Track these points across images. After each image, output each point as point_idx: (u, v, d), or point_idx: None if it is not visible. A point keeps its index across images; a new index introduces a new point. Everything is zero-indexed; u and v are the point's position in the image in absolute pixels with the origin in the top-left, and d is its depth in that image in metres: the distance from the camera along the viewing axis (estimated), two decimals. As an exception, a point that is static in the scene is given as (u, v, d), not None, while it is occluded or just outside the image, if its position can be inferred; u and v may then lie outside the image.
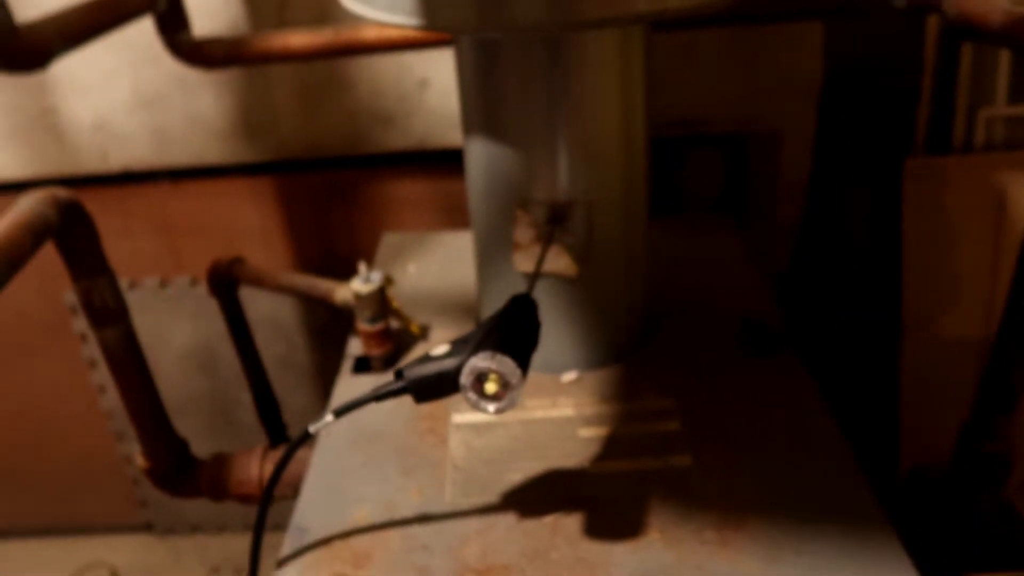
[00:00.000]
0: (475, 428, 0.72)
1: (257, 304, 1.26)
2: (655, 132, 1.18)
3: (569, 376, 0.77)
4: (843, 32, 1.18)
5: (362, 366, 0.81)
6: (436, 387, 0.50)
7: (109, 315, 0.77)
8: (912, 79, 1.24)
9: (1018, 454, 0.84)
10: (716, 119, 1.17)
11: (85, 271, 0.75)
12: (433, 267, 0.98)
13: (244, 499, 0.87)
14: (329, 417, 0.53)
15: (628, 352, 0.79)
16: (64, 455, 1.48)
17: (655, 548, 0.58)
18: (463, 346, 0.50)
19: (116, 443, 1.44)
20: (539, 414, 0.73)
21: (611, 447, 0.68)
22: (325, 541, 0.61)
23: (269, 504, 0.59)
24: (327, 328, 1.32)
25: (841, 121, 1.21)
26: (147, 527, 1.51)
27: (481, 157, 0.72)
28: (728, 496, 0.62)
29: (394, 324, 0.82)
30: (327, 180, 1.24)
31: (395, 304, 0.79)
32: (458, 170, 1.23)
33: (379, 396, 0.52)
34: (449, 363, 0.50)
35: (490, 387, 0.48)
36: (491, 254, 0.76)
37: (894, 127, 1.26)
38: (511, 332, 0.51)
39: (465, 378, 0.48)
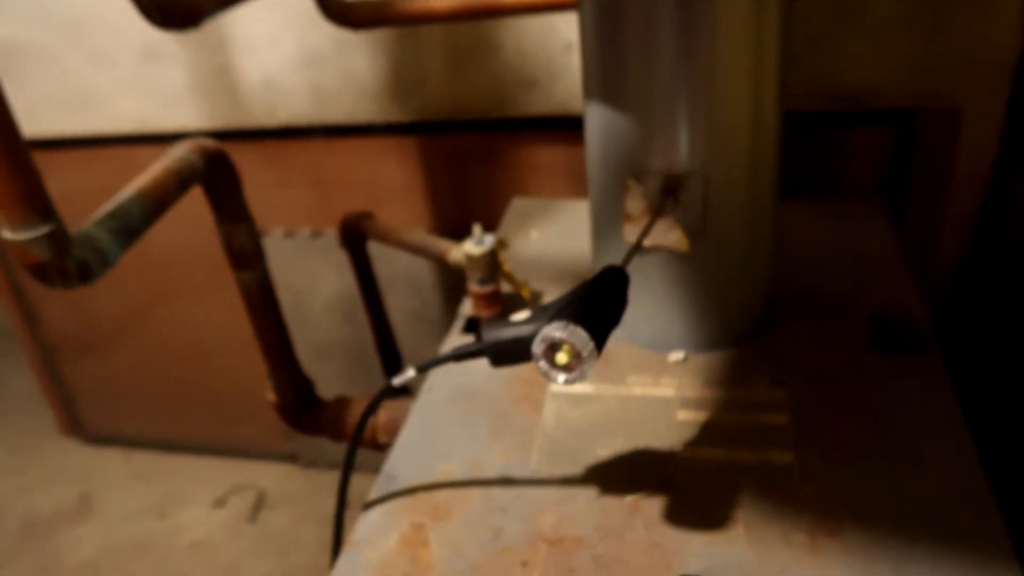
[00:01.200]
0: (571, 399, 0.71)
1: (397, 261, 1.31)
2: (813, 105, 1.10)
3: (676, 356, 0.74)
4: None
5: (472, 327, 0.82)
6: (512, 352, 0.50)
7: (246, 259, 0.83)
8: None
9: None
10: (884, 92, 1.07)
11: (227, 216, 0.81)
12: (556, 234, 0.98)
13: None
14: (411, 371, 0.55)
15: (743, 337, 0.75)
16: (225, 384, 1.63)
17: (737, 544, 0.55)
18: (543, 313, 0.50)
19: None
20: (638, 392, 0.71)
21: (708, 434, 0.65)
22: (410, 491, 0.63)
23: (357, 447, 0.62)
24: (460, 287, 1.35)
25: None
26: (292, 458, 1.64)
27: (598, 123, 0.70)
28: (828, 500, 0.58)
29: (507, 288, 0.82)
30: (469, 142, 1.26)
31: (506, 268, 0.79)
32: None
33: (457, 356, 0.53)
34: (526, 329, 0.49)
35: (561, 357, 0.47)
36: (605, 224, 0.74)
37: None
38: (593, 304, 0.50)
39: (537, 346, 0.47)
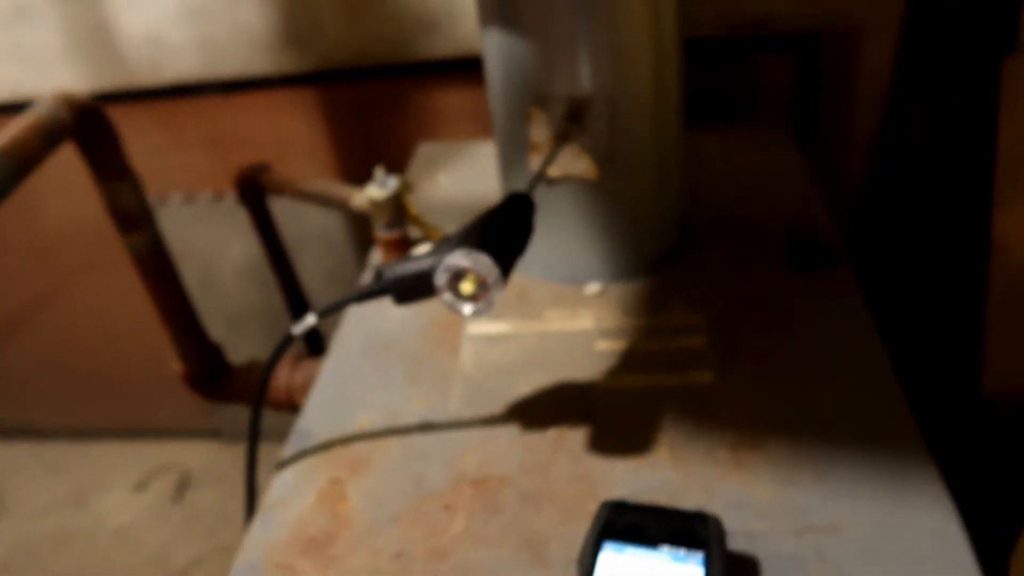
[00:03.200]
0: (489, 339, 0.69)
1: (306, 219, 1.25)
2: (717, 32, 1.09)
3: (592, 288, 0.73)
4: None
5: (379, 275, 0.79)
6: (415, 288, 0.47)
7: (133, 220, 0.77)
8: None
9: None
10: (786, 16, 1.07)
11: (106, 175, 0.75)
12: (465, 177, 0.95)
13: (275, 406, 0.88)
14: (311, 318, 0.51)
15: (659, 265, 0.74)
16: (136, 362, 1.55)
17: (661, 466, 0.55)
18: (445, 244, 0.47)
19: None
20: (556, 326, 0.69)
21: (628, 362, 0.64)
22: (325, 446, 0.60)
23: (263, 400, 0.58)
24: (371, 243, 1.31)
25: (931, 16, 1.08)
26: (215, 434, 1.58)
27: (497, 51, 0.66)
28: (749, 416, 0.58)
29: (417, 234, 0.79)
30: (372, 90, 1.21)
31: (413, 211, 0.76)
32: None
33: (359, 297, 0.50)
34: (427, 261, 0.47)
35: (466, 287, 0.44)
36: (510, 157, 0.72)
37: (993, 21, 1.12)
38: (496, 231, 0.47)
39: (440, 276, 0.44)
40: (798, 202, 0.81)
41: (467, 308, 0.45)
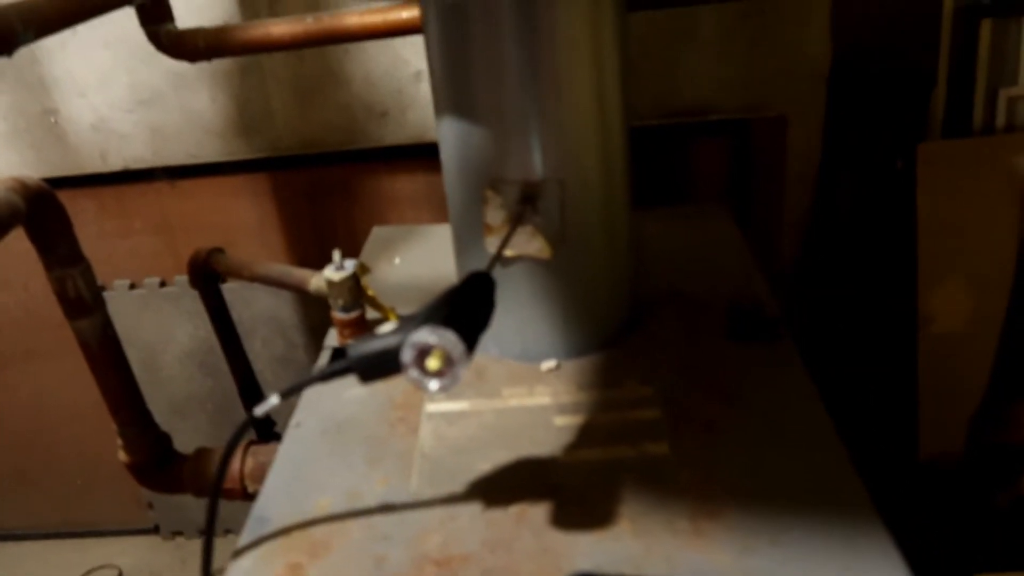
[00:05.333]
0: (447, 417, 0.69)
1: (257, 302, 1.25)
2: (657, 120, 1.15)
3: (548, 364, 0.74)
4: (852, 9, 1.13)
5: (339, 357, 0.79)
6: (380, 365, 0.48)
7: (84, 306, 0.76)
8: (928, 59, 1.19)
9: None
10: (719, 105, 1.14)
11: (58, 260, 0.74)
12: (420, 259, 0.96)
13: (227, 495, 0.85)
14: (274, 398, 0.51)
15: (611, 340, 0.76)
16: (73, 457, 1.49)
17: (623, 538, 0.55)
18: (409, 322, 0.48)
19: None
20: (514, 403, 0.70)
21: (586, 436, 0.65)
22: (284, 531, 0.59)
23: (220, 489, 0.57)
24: (327, 324, 1.30)
25: (852, 105, 1.17)
26: (155, 529, 1.51)
27: (451, 137, 0.69)
28: (705, 485, 0.59)
29: (373, 315, 0.80)
30: (323, 176, 1.23)
31: (370, 292, 0.77)
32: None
33: (323, 376, 0.50)
34: (393, 339, 0.48)
35: (432, 363, 0.45)
36: (466, 238, 0.74)
37: (909, 110, 1.21)
38: (460, 308, 0.49)
39: (406, 353, 0.45)
40: (739, 278, 0.85)
41: (433, 384, 0.46)
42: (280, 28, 0.88)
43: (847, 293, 1.26)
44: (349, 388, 0.72)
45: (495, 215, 0.68)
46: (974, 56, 1.18)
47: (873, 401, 1.21)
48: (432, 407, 0.71)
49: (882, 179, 1.23)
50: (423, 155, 1.21)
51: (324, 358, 0.79)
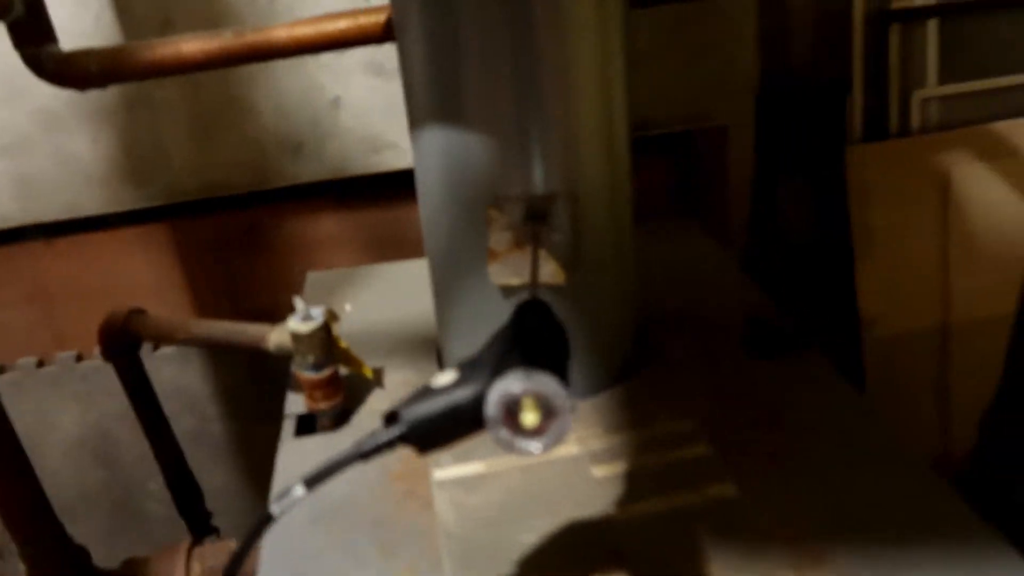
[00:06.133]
0: (464, 484, 0.58)
1: (158, 372, 1.07)
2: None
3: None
4: (773, 24, 1.13)
5: (307, 426, 0.66)
6: (447, 428, 0.37)
7: (-31, 397, 0.59)
8: (842, 67, 1.21)
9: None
10: (661, 118, 1.10)
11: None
12: (374, 303, 0.85)
13: (169, 613, 0.69)
14: (299, 491, 0.39)
15: (626, 373, 0.68)
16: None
17: (725, 604, 0.46)
18: (475, 370, 0.37)
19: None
20: (539, 457, 0.60)
21: (635, 485, 0.56)
22: (295, 659, 0.46)
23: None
24: (241, 392, 1.14)
25: (780, 116, 1.16)
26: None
27: (436, 153, 0.59)
28: (792, 525, 0.51)
29: (341, 370, 0.67)
30: (231, 223, 1.08)
31: (343, 344, 0.65)
32: (383, 198, 1.11)
33: (367, 452, 0.38)
34: (463, 393, 0.37)
35: (528, 417, 0.35)
36: (455, 272, 0.64)
37: (830, 118, 1.22)
38: (536, 343, 0.39)
39: (493, 408, 0.35)
40: (738, 292, 0.79)
41: (534, 445, 0.35)
42: (192, 45, 0.74)
43: (790, 299, 1.24)
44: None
45: (500, 239, 0.58)
46: (886, 61, 1.21)
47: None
48: (441, 473, 0.59)
49: (815, 187, 1.22)
50: (346, 191, 1.09)
51: (289, 427, 0.66)
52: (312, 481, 0.39)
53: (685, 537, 0.51)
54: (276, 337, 0.64)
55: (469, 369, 0.38)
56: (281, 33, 0.75)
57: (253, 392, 1.12)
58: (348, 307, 0.82)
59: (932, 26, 1.19)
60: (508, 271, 0.59)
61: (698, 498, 0.54)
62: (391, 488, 0.58)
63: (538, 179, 0.58)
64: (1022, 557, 0.46)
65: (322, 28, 0.76)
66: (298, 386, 0.65)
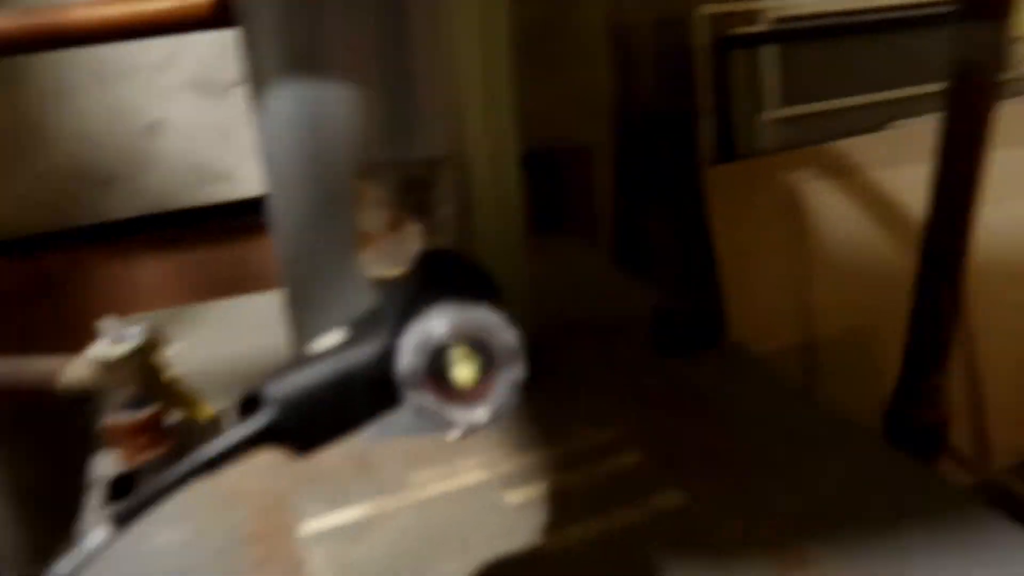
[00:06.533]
0: (344, 533, 0.44)
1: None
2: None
3: (455, 431, 0.53)
4: (621, 49, 1.12)
5: (124, 489, 0.50)
6: (338, 408, 0.25)
7: None
8: (688, 92, 1.21)
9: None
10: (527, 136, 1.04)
11: None
12: (204, 342, 0.70)
13: None
14: (98, 534, 0.25)
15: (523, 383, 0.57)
16: None
17: (708, 634, 0.36)
18: (373, 325, 0.26)
19: None
20: (437, 489, 0.48)
21: (562, 508, 0.45)
22: None
23: None
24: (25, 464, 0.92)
25: (634, 139, 1.14)
26: None
27: (286, 115, 0.48)
28: (764, 528, 0.42)
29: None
30: (25, 270, 0.89)
31: (169, 377, 0.50)
32: (216, 233, 0.96)
33: (215, 460, 0.25)
34: (359, 353, 0.25)
35: (463, 372, 0.24)
36: (312, 267, 0.51)
37: (684, 144, 1.22)
38: (453, 289, 0.28)
39: (409, 362, 0.23)
40: (632, 295, 0.72)
41: (476, 413, 0.24)
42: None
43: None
44: (159, 531, 0.44)
45: (372, 216, 0.47)
46: (728, 86, 1.22)
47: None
48: (313, 524, 0.45)
49: (677, 211, 1.20)
50: (167, 227, 0.93)
51: (98, 495, 0.49)
52: (126, 515, 0.25)
53: (639, 558, 0.40)
54: (72, 371, 0.48)
55: (364, 325, 0.26)
56: (80, 13, 0.62)
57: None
58: (176, 347, 0.67)
59: (772, 51, 1.22)
60: (383, 259, 0.47)
61: (642, 512, 0.44)
62: (245, 554, 0.43)
63: (415, 141, 0.48)
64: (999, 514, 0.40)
65: (135, 8, 0.63)
66: (107, 440, 0.50)
